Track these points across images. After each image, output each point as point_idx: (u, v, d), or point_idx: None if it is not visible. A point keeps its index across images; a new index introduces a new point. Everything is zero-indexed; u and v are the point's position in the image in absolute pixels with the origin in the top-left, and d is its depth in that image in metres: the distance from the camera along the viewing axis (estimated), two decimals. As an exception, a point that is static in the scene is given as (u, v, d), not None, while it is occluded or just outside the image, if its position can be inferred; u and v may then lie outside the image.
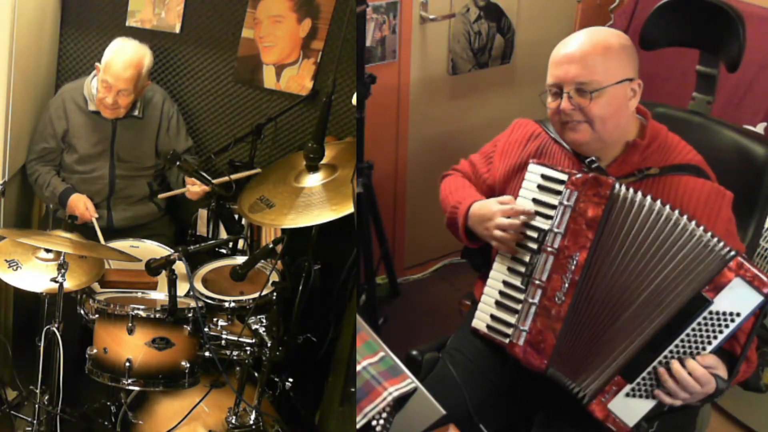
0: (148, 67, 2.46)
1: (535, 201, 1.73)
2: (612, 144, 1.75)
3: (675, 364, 1.54)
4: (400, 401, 1.60)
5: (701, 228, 1.55)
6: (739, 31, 1.86)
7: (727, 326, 1.52)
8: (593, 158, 1.75)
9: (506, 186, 1.89)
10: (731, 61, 1.91)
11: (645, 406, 1.60)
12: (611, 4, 3.26)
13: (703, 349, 1.54)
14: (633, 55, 1.72)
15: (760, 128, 2.67)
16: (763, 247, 2.33)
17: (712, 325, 1.53)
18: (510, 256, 1.77)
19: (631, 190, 1.61)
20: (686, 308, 1.54)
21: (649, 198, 1.60)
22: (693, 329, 1.54)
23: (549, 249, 1.69)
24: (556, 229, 1.68)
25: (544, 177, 1.73)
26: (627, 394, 1.61)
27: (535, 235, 1.72)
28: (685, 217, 1.56)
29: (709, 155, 1.79)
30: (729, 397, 2.00)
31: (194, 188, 2.48)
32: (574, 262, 1.65)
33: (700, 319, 1.53)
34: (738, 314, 1.51)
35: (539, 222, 1.72)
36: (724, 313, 1.52)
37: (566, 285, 1.66)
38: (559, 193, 1.69)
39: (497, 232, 1.76)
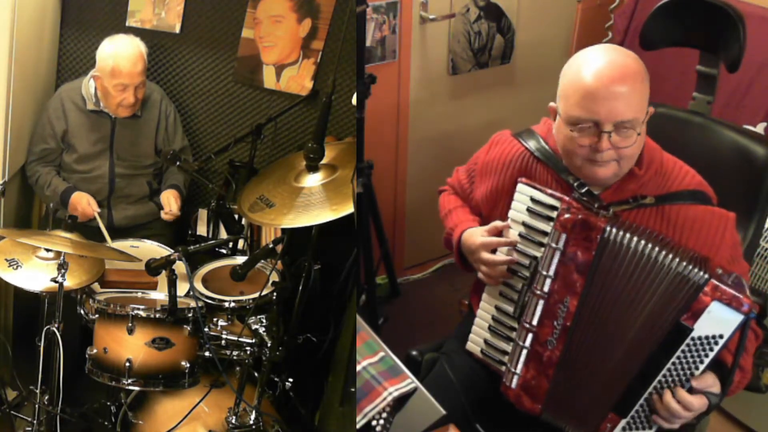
0: (146, 53, 2.50)
1: (525, 225, 1.67)
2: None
3: (666, 395, 1.54)
4: (400, 401, 1.60)
5: (670, 255, 1.52)
6: (740, 31, 1.86)
7: (711, 349, 1.51)
8: (582, 181, 1.67)
9: (492, 210, 1.82)
10: (731, 61, 1.91)
11: None
12: (611, 4, 3.26)
13: (692, 374, 1.53)
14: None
15: (760, 128, 2.66)
16: (763, 247, 2.33)
17: (696, 350, 1.52)
18: (501, 281, 1.73)
19: (626, 234, 1.55)
20: (668, 339, 1.53)
21: (635, 240, 1.54)
22: (678, 357, 1.53)
23: (538, 292, 1.62)
24: (545, 273, 1.61)
25: (533, 200, 1.65)
26: (623, 429, 1.60)
27: (526, 261, 1.66)
28: (669, 256, 1.52)
29: (709, 155, 1.79)
30: (729, 397, 2.00)
31: (167, 216, 2.54)
32: (565, 308, 1.60)
33: (683, 347, 1.52)
34: (721, 336, 1.50)
35: (530, 248, 1.66)
36: (706, 338, 1.51)
37: (558, 331, 1.61)
38: (549, 219, 1.62)
39: (483, 268, 1.72)
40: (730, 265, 1.59)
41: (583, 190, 1.66)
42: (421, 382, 1.65)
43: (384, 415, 1.57)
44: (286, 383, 2.32)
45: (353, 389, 1.62)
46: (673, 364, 1.54)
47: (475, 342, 1.79)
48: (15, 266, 2.08)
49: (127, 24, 2.78)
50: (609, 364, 1.59)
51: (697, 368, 1.53)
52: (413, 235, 3.39)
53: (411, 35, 2.95)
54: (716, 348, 1.51)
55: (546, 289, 1.61)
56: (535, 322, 1.64)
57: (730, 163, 1.86)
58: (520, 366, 1.67)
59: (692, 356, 1.53)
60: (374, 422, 1.55)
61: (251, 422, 2.12)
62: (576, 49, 3.44)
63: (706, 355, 1.52)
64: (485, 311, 1.77)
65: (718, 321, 1.49)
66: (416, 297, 3.38)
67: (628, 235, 1.54)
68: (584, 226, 1.56)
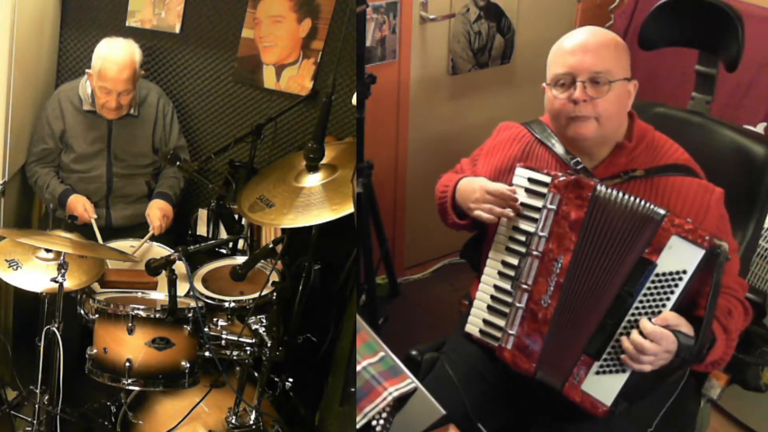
0: (139, 61, 2.45)
1: (523, 205, 1.74)
2: (606, 143, 1.76)
3: (633, 332, 1.56)
4: (400, 401, 1.60)
5: (638, 200, 1.59)
6: (738, 30, 1.87)
7: (676, 285, 1.55)
8: (578, 159, 1.76)
9: None
10: (730, 60, 1.91)
11: (618, 381, 1.61)
12: (611, 4, 3.26)
13: (659, 312, 1.56)
14: (629, 56, 1.75)
15: (760, 128, 2.67)
16: (762, 247, 2.33)
17: (662, 286, 1.56)
18: (500, 261, 1.77)
19: (613, 191, 1.63)
20: (632, 275, 1.58)
21: (629, 197, 1.61)
22: (644, 294, 1.57)
23: (534, 252, 1.70)
24: (540, 233, 1.70)
25: (530, 180, 1.74)
26: (597, 372, 1.62)
27: (523, 238, 1.73)
28: (648, 205, 1.59)
29: (709, 155, 1.80)
30: (729, 397, 2.00)
31: (156, 223, 2.51)
32: (559, 265, 1.66)
33: (648, 284, 1.56)
34: (684, 271, 1.54)
35: (528, 225, 1.73)
36: (670, 273, 1.55)
37: (551, 288, 1.67)
38: (544, 196, 1.70)
39: (484, 206, 1.77)
40: (718, 236, 1.59)
41: (579, 167, 1.75)
42: (421, 382, 1.65)
43: (384, 415, 1.57)
44: (286, 383, 2.32)
45: (353, 389, 1.62)
46: (640, 302, 1.57)
47: (474, 323, 1.83)
48: (15, 267, 2.08)
49: (127, 24, 2.77)
50: (594, 315, 1.63)
51: (663, 306, 1.56)
52: (413, 235, 3.39)
53: (411, 35, 2.95)
54: (681, 284, 1.54)
55: (541, 248, 1.70)
56: (530, 281, 1.70)
57: (729, 163, 1.87)
58: (515, 326, 1.72)
59: (658, 293, 1.56)
60: (374, 422, 1.55)
61: (251, 422, 2.12)
62: (576, 49, 3.46)
63: (672, 292, 1.55)
64: (484, 292, 1.81)
65: (679, 256, 1.53)
66: (416, 297, 3.38)
67: (617, 192, 1.62)
68: (576, 185, 1.66)
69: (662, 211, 1.56)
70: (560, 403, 1.70)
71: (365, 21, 2.55)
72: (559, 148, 1.81)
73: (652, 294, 1.57)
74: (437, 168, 3.23)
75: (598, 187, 1.64)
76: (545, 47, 3.23)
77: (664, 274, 1.55)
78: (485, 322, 1.80)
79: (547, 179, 1.71)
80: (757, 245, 2.01)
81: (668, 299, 1.56)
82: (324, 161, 2.09)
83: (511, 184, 1.77)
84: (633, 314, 1.58)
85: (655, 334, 1.52)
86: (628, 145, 1.75)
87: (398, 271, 3.25)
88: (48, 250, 2.10)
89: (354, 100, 2.50)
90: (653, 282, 1.56)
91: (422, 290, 3.45)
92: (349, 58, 2.51)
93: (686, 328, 1.55)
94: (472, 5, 3.06)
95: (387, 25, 2.85)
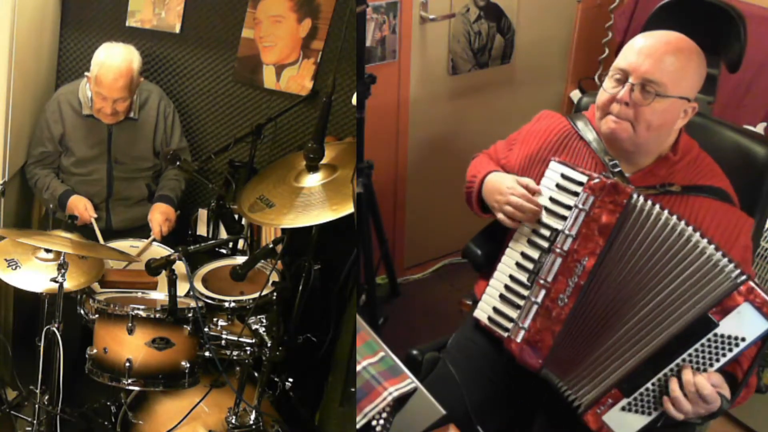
0: (138, 69, 2.43)
1: (552, 200, 1.73)
2: (643, 153, 1.73)
3: (686, 375, 1.52)
4: (400, 401, 1.60)
5: (712, 245, 1.53)
6: (740, 31, 1.87)
7: (730, 350, 1.51)
8: (616, 161, 1.74)
9: (523, 175, 1.87)
10: (732, 61, 1.91)
11: (639, 421, 1.60)
12: (611, 4, 3.26)
13: (705, 370, 1.53)
14: (703, 77, 1.71)
15: (760, 128, 2.66)
16: (763, 247, 2.33)
17: (716, 347, 1.52)
18: (520, 252, 1.76)
19: (649, 202, 1.59)
20: (691, 328, 1.53)
21: (665, 212, 1.58)
22: (696, 350, 1.53)
23: (558, 250, 1.68)
24: (567, 232, 1.67)
25: (564, 177, 1.72)
26: (623, 408, 1.60)
27: (547, 233, 1.72)
28: (698, 233, 1.54)
29: (710, 155, 1.79)
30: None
31: (161, 228, 2.49)
32: (582, 267, 1.64)
33: (703, 340, 1.52)
34: (743, 339, 1.50)
35: (553, 221, 1.71)
36: (729, 337, 1.51)
37: (571, 288, 1.65)
38: (577, 194, 1.68)
39: (507, 208, 1.77)
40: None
41: (616, 170, 1.72)
42: (421, 382, 1.65)
43: (384, 415, 1.56)
44: (286, 383, 2.32)
45: (353, 389, 1.62)
46: (690, 355, 1.54)
47: (484, 310, 1.81)
48: (14, 267, 2.08)
49: (127, 24, 2.77)
50: (616, 330, 1.61)
51: (711, 365, 1.53)
52: (413, 235, 3.39)
53: (411, 35, 2.95)
54: (735, 350, 1.51)
55: (566, 247, 1.67)
56: (550, 278, 1.68)
57: (730, 164, 1.86)
58: (528, 321, 1.70)
59: (710, 352, 1.52)
60: (374, 422, 1.55)
61: (251, 422, 2.12)
62: (576, 49, 3.46)
63: (724, 355, 1.52)
64: (498, 280, 1.80)
65: (744, 323, 1.49)
66: (416, 297, 3.38)
67: (657, 207, 1.58)
68: (612, 190, 1.62)
69: (744, 276, 1.50)
70: (562, 404, 1.70)
71: (365, 21, 2.55)
72: (598, 147, 1.78)
73: (704, 351, 1.53)
74: (437, 168, 3.24)
75: (634, 195, 1.60)
76: (545, 47, 3.22)
77: (722, 336, 1.51)
78: (495, 310, 1.79)
79: (582, 178, 1.68)
80: (757, 245, 2.01)
81: (718, 360, 1.52)
82: (324, 161, 2.09)
83: (542, 175, 1.76)
84: (677, 365, 1.55)
85: (710, 396, 1.50)
86: (672, 158, 1.72)
87: (398, 271, 3.25)
88: (48, 251, 2.10)
89: (354, 100, 2.50)
90: (709, 340, 1.52)
91: (422, 290, 3.45)
92: (349, 58, 2.51)
93: (725, 390, 1.54)
94: (472, 5, 3.06)
95: (387, 25, 2.85)
